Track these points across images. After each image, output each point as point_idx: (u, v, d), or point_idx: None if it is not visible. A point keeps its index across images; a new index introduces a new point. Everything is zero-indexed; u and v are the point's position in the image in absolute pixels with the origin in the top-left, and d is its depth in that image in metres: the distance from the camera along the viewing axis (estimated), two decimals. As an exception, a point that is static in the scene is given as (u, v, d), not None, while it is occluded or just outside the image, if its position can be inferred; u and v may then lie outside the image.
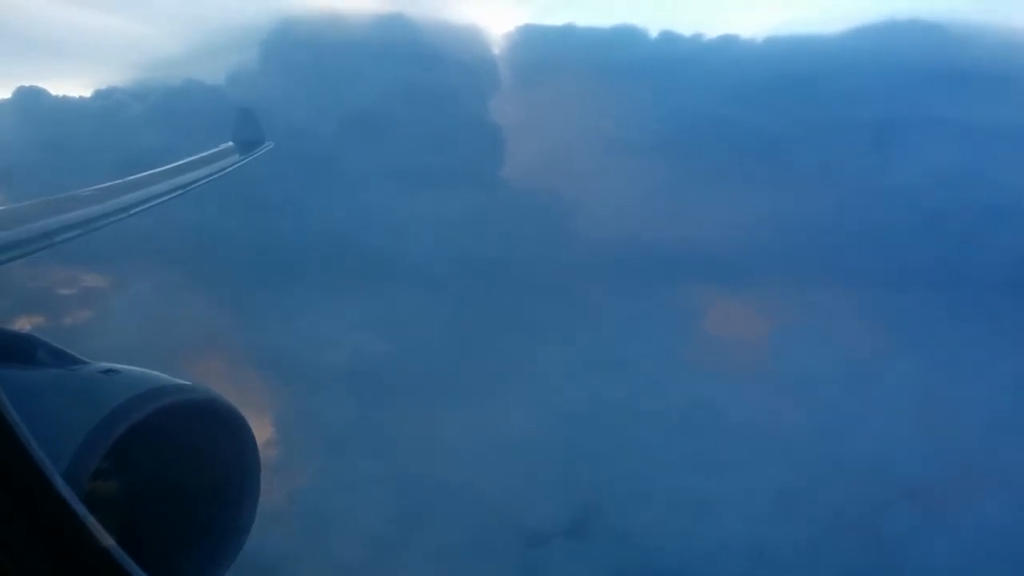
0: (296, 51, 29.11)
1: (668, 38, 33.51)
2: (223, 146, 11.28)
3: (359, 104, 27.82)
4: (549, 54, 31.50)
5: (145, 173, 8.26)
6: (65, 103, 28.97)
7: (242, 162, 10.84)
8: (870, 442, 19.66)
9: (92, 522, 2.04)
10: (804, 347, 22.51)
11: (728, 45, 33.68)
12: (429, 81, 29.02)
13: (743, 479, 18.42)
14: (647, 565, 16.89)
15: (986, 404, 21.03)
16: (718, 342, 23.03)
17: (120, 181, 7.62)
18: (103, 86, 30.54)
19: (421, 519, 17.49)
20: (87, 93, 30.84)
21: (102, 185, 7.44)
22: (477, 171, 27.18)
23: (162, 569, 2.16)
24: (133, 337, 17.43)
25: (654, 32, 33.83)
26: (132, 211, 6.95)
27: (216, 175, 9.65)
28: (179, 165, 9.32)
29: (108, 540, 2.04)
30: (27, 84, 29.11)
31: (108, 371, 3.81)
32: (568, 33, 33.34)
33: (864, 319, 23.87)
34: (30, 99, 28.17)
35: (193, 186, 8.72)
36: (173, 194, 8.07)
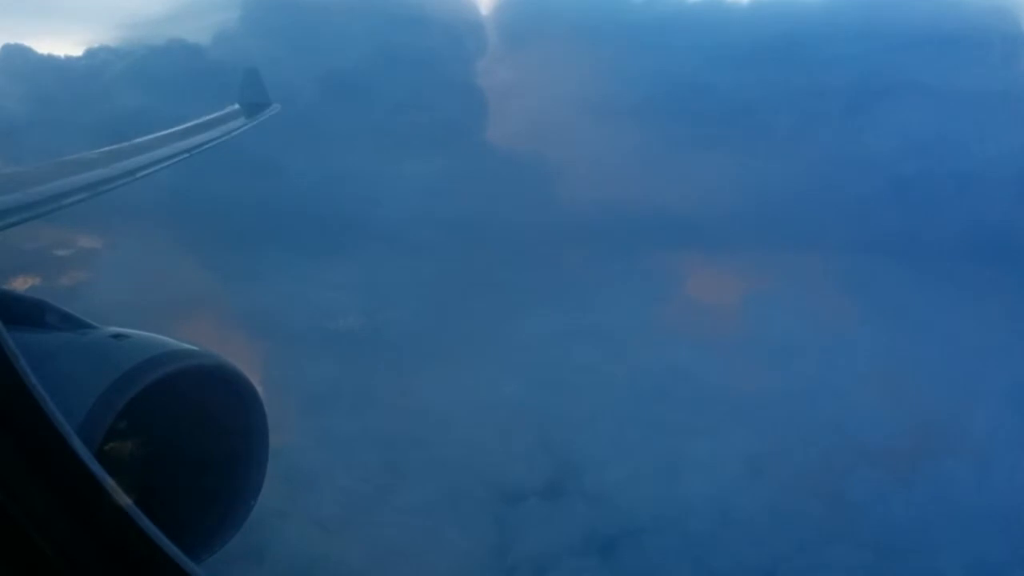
0: (280, 11, 28.88)
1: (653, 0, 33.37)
2: (229, 108, 11.19)
3: (343, 65, 27.70)
4: (533, 16, 31.32)
5: (151, 136, 8.26)
6: (51, 62, 28.73)
7: (249, 125, 10.77)
8: (837, 407, 20.03)
9: (110, 483, 2.11)
10: (776, 313, 22.83)
11: (713, 8, 33.66)
12: (413, 42, 28.85)
13: (713, 443, 18.78)
14: (619, 524, 17.26)
15: (952, 370, 21.42)
16: (692, 307, 23.31)
17: (127, 144, 7.64)
18: (88, 45, 30.33)
19: (399, 477, 17.74)
20: (72, 51, 30.62)
21: (108, 148, 7.46)
22: (460, 134, 27.18)
23: (172, 532, 2.12)
24: (123, 298, 17.52)
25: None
26: (139, 174, 7.00)
27: (223, 138, 9.61)
28: (186, 128, 9.29)
29: (125, 500, 2.09)
30: (13, 42, 28.93)
31: (117, 336, 3.92)
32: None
33: (836, 285, 24.17)
34: (16, 57, 27.89)
35: (199, 149, 8.71)
36: (179, 157, 8.08)
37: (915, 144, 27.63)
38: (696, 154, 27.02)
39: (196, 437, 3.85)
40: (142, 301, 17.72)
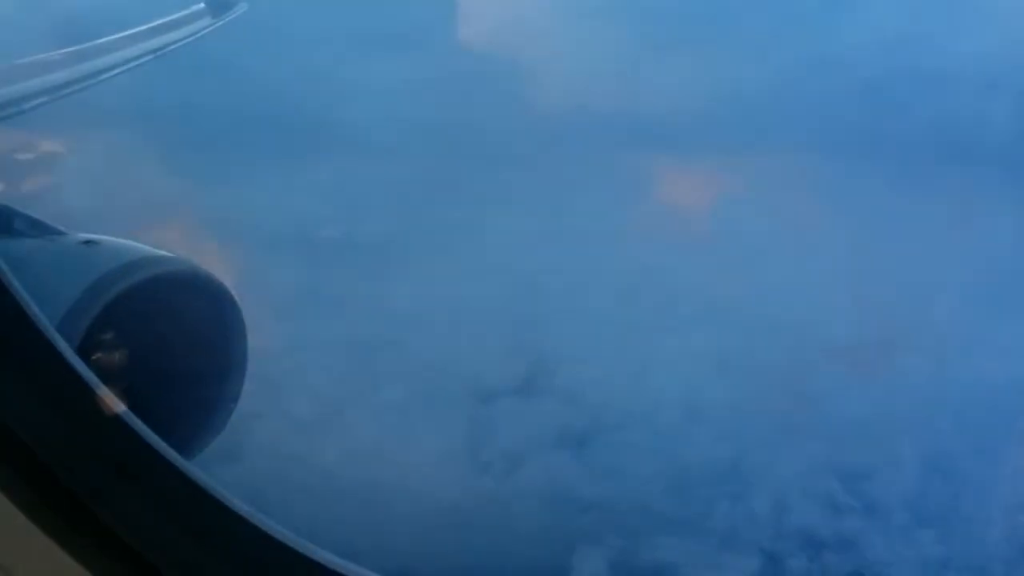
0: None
1: None
2: (195, 8, 10.94)
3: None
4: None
5: (115, 36, 8.09)
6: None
7: (215, 25, 10.55)
8: (803, 305, 20.39)
9: (104, 391, 2.16)
10: (745, 214, 23.02)
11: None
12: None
13: (682, 341, 19.13)
14: (589, 420, 17.67)
15: (917, 269, 21.75)
16: (662, 209, 23.42)
17: (90, 44, 7.48)
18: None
19: (373, 378, 17.96)
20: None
21: (71, 48, 7.31)
22: (429, 35, 26.73)
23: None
24: (89, 204, 17.33)
25: None
26: (103, 76, 6.89)
27: (189, 39, 9.44)
28: (150, 28, 9.11)
29: (120, 407, 2.15)
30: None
31: (88, 242, 3.89)
32: None
33: (805, 186, 24.33)
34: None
35: (165, 50, 8.57)
36: (145, 58, 7.95)
37: (880, 44, 27.53)
38: (666, 55, 26.76)
39: (173, 344, 3.84)
40: (109, 207, 17.54)
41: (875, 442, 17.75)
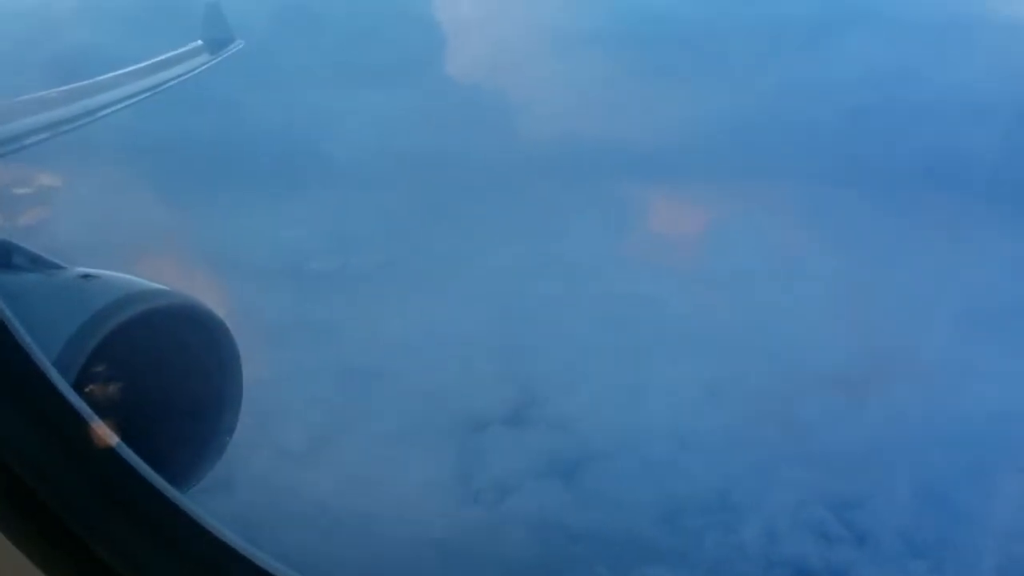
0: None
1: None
2: (192, 45, 11.08)
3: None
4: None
5: (113, 74, 8.22)
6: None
7: (212, 62, 10.70)
8: (794, 334, 20.46)
9: (98, 423, 2.18)
10: (736, 242, 23.14)
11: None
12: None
13: (673, 369, 19.16)
14: (581, 449, 17.65)
15: (908, 298, 21.86)
16: (653, 237, 23.54)
17: (88, 82, 7.60)
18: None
19: (365, 408, 17.96)
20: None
21: (70, 86, 7.43)
22: (420, 67, 26.96)
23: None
24: (86, 238, 17.40)
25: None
26: (101, 113, 6.98)
27: (186, 75, 9.58)
28: (148, 65, 9.25)
29: (113, 439, 2.17)
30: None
31: (86, 276, 3.95)
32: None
33: (796, 215, 24.49)
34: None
35: (163, 87, 8.69)
36: (142, 96, 8.06)
37: (870, 74, 27.85)
38: (657, 84, 27.08)
39: (169, 376, 3.87)
40: (107, 241, 17.65)
41: (866, 471, 17.73)
